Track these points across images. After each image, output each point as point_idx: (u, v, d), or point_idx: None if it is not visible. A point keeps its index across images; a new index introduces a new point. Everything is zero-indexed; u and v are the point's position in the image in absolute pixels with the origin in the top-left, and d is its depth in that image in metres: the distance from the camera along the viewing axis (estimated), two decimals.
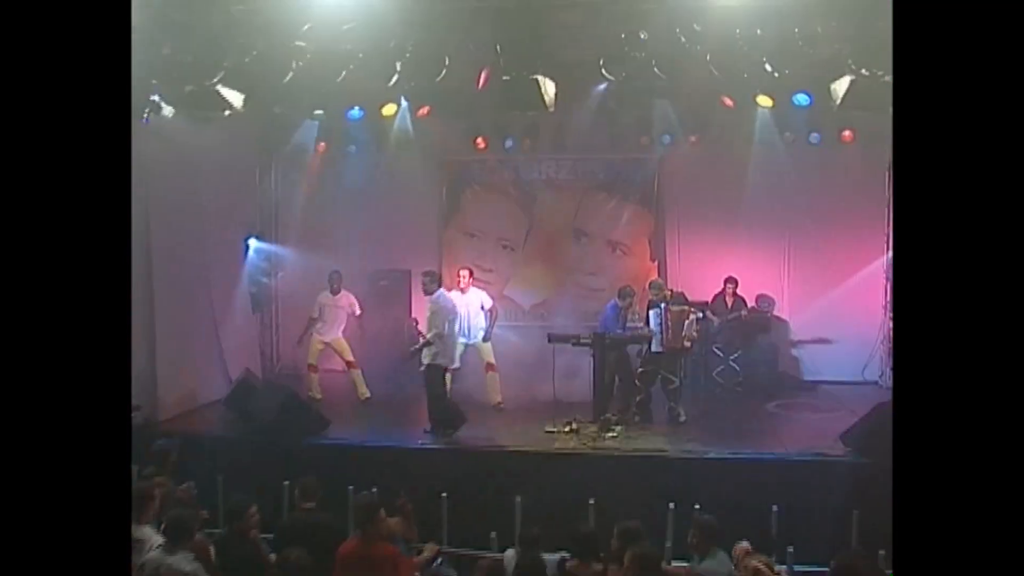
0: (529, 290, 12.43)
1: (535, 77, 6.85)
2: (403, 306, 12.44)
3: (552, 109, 7.23)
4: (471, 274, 10.47)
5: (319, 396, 10.86)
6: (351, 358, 10.83)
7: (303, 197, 12.56)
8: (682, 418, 9.41)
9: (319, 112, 10.63)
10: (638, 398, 9.51)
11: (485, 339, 10.28)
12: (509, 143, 11.89)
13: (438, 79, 6.97)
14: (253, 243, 12.36)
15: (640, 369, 9.52)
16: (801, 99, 9.86)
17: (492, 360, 10.33)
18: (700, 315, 11.37)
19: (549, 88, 7.06)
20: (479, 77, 7.57)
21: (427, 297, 9.33)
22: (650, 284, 9.63)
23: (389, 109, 10.47)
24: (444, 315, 9.01)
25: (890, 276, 10.89)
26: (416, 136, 11.99)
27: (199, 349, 10.67)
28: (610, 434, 8.79)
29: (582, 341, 9.16)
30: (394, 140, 11.77)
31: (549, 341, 9.23)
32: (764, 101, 9.99)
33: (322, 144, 12.08)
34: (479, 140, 11.96)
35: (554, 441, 8.70)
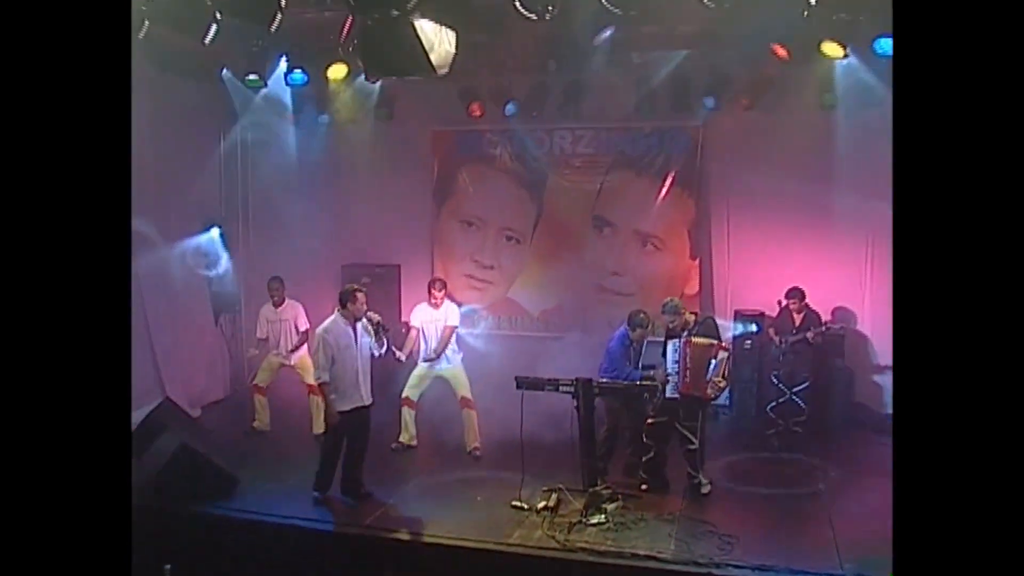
0: (538, 292, 10.04)
1: (413, 22, 4.24)
2: (391, 309, 10.29)
3: (443, 70, 4.64)
4: (446, 288, 8.17)
5: (266, 428, 8.89)
6: (312, 381, 8.74)
7: (269, 178, 10.47)
8: (704, 489, 6.95)
9: (253, 78, 8.41)
10: (645, 458, 7.09)
11: (426, 359, 8.10)
12: (511, 109, 9.41)
13: (274, 27, 4.58)
14: (214, 234, 10.39)
15: (650, 420, 7.08)
16: (886, 45, 7.06)
17: (468, 394, 8.06)
18: (750, 338, 8.91)
19: (445, 39, 4.48)
20: (343, 24, 5.13)
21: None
22: (664, 306, 7.10)
23: (338, 71, 8.15)
24: (333, 347, 6.81)
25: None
26: (397, 102, 9.79)
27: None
28: (597, 517, 6.41)
29: (562, 387, 6.74)
30: (369, 108, 9.56)
31: (518, 387, 6.84)
32: (832, 50, 7.22)
33: (288, 116, 9.92)
34: (474, 106, 9.54)
35: (518, 525, 6.40)
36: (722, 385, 6.88)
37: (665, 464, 7.10)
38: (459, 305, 9.93)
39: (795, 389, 8.69)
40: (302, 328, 8.72)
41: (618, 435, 7.38)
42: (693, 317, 7.14)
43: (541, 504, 6.66)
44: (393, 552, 6.19)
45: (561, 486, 6.84)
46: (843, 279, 9.09)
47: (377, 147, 9.98)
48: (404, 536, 6.31)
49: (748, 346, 9.15)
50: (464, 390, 8.03)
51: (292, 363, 8.76)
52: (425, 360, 8.09)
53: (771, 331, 8.82)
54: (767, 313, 9.04)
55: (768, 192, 9.08)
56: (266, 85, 8.63)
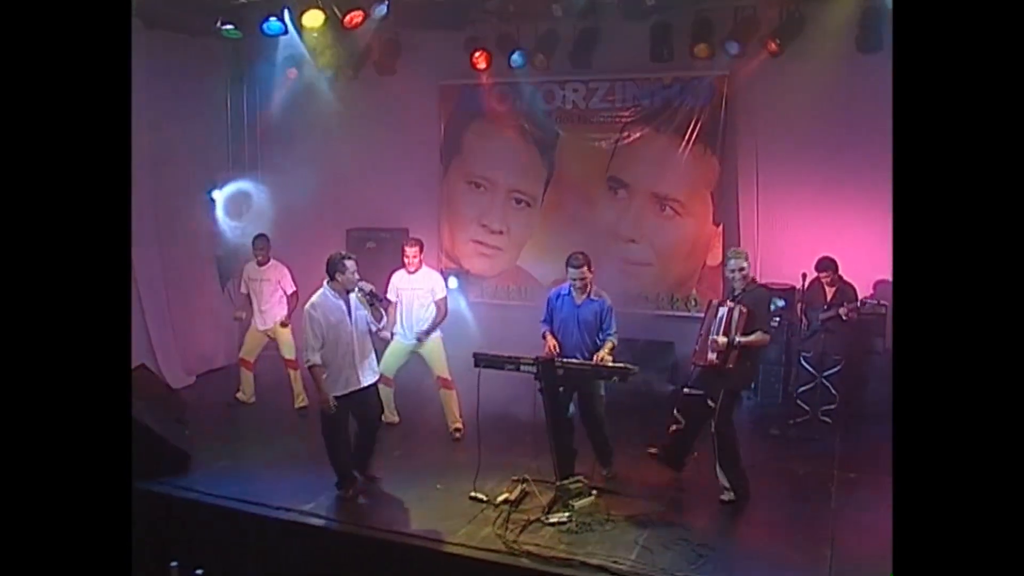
0: (549, 261, 9.19)
1: None
2: None
3: None
4: (421, 250, 7.44)
5: (250, 400, 8.47)
6: (291, 356, 8.24)
7: (270, 137, 9.99)
8: (726, 497, 5.97)
9: (229, 27, 7.84)
10: (673, 427, 6.17)
11: (419, 339, 7.31)
12: (516, 58, 8.59)
13: None
14: (218, 194, 9.98)
15: (685, 390, 6.21)
16: None
17: (445, 373, 7.37)
18: (779, 315, 7.87)
19: None
20: None
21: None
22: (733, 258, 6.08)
23: (314, 18, 7.48)
24: (323, 324, 5.97)
25: None
26: (400, 55, 9.11)
27: None
28: (559, 515, 5.67)
29: (523, 367, 5.96)
30: (356, 59, 8.91)
31: (476, 364, 6.11)
32: None
33: (293, 71, 9.34)
34: (478, 56, 8.75)
35: (470, 520, 5.71)
36: (721, 344, 5.80)
37: (690, 443, 6.20)
38: (463, 273, 9.31)
39: (825, 373, 7.69)
40: (288, 291, 8.23)
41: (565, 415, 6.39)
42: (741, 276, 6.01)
43: (502, 497, 5.96)
44: (316, 540, 5.61)
45: (528, 476, 6.13)
46: (888, 248, 7.95)
47: (380, 103, 9.34)
48: (335, 525, 5.71)
49: (776, 324, 8.15)
50: (441, 369, 7.33)
51: (269, 330, 8.29)
52: (416, 339, 7.35)
53: (799, 307, 7.80)
54: (799, 287, 8.01)
55: (802, 149, 8.08)
56: (245, 36, 8.03)
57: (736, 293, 6.04)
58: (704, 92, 8.29)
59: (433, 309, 7.36)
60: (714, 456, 6.00)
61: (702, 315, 6.26)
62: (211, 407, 8.39)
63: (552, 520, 5.62)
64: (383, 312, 6.26)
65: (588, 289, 6.20)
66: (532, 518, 5.66)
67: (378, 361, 6.98)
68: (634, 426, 7.70)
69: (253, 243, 8.31)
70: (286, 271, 8.28)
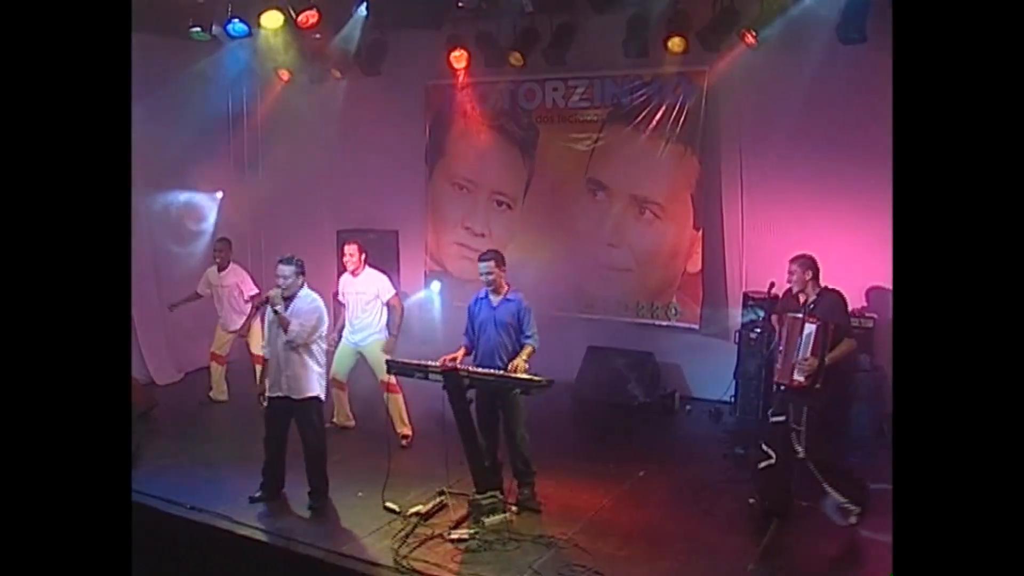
0: (529, 265, 8.78)
1: None
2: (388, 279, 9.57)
3: None
4: (361, 250, 7.24)
5: (223, 397, 8.45)
6: (259, 351, 8.18)
7: (262, 138, 10.02)
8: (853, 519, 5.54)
9: (197, 30, 7.83)
10: (762, 465, 5.71)
11: (367, 339, 7.13)
12: (492, 56, 8.33)
13: None
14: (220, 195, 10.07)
15: (772, 418, 5.75)
16: None
17: (389, 377, 7.13)
18: (759, 326, 7.42)
19: None
20: None
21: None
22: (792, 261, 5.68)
23: (272, 19, 7.40)
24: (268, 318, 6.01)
25: None
26: (385, 56, 8.98)
27: None
28: (462, 531, 5.39)
29: (431, 375, 5.68)
30: (346, 59, 8.81)
31: (388, 371, 5.91)
32: None
33: (285, 72, 9.30)
34: (456, 53, 8.54)
35: (371, 532, 5.49)
36: (812, 366, 5.36)
37: (787, 478, 5.67)
38: (447, 275, 9.12)
39: None
40: (248, 294, 8.17)
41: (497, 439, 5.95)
42: (806, 281, 5.64)
43: (413, 509, 5.71)
44: (217, 542, 5.49)
45: (447, 489, 5.86)
46: (883, 254, 7.30)
47: (366, 104, 9.23)
48: (237, 528, 5.57)
49: (754, 336, 7.64)
50: (382, 373, 7.09)
51: (241, 332, 8.26)
52: (362, 344, 7.19)
53: (773, 318, 7.24)
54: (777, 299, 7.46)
55: (788, 148, 7.55)
56: (213, 37, 8.02)
57: (810, 304, 5.59)
58: (685, 88, 7.84)
59: (378, 312, 7.16)
60: (818, 483, 5.52)
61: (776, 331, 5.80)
62: (187, 405, 8.42)
63: (454, 536, 5.34)
64: (288, 323, 5.76)
65: (502, 289, 5.85)
66: (436, 532, 5.40)
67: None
68: (601, 440, 7.42)
69: (214, 247, 8.32)
70: (245, 275, 8.26)
